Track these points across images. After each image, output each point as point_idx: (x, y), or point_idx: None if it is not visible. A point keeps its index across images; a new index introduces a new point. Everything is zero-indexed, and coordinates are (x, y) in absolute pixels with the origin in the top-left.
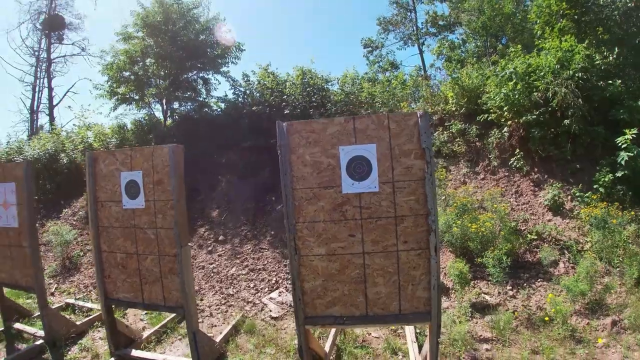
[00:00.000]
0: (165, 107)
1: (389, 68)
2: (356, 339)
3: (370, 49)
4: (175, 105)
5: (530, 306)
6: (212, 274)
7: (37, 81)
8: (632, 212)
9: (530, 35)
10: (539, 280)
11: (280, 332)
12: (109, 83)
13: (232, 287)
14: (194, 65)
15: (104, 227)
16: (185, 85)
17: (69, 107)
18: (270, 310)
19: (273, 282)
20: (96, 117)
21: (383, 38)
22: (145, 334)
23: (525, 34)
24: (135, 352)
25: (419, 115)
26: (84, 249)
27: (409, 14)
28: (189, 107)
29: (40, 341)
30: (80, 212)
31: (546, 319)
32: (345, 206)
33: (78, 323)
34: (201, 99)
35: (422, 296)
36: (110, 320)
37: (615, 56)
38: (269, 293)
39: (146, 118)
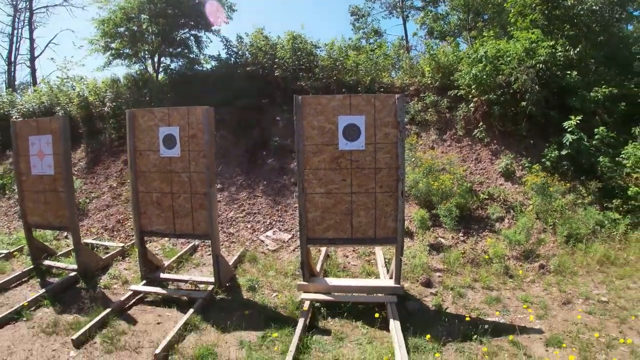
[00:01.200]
0: (157, 63)
1: (373, 35)
2: (338, 265)
3: (357, 16)
4: (167, 61)
5: (476, 249)
6: None
7: (15, 32)
8: (569, 184)
9: (507, 17)
10: (486, 231)
11: (277, 261)
12: (104, 38)
13: (232, 227)
14: (186, 23)
15: (141, 171)
16: (178, 42)
17: (52, 59)
18: (267, 245)
19: (267, 223)
20: (79, 69)
21: (370, 7)
22: (166, 262)
23: (504, 15)
24: (163, 275)
25: (396, 97)
26: (89, 197)
27: None
28: (180, 64)
29: (73, 273)
30: (80, 163)
31: (486, 257)
32: (340, 159)
33: (103, 257)
34: (192, 56)
35: (391, 225)
36: (142, 250)
37: (577, 51)
38: (265, 232)
39: (138, 73)
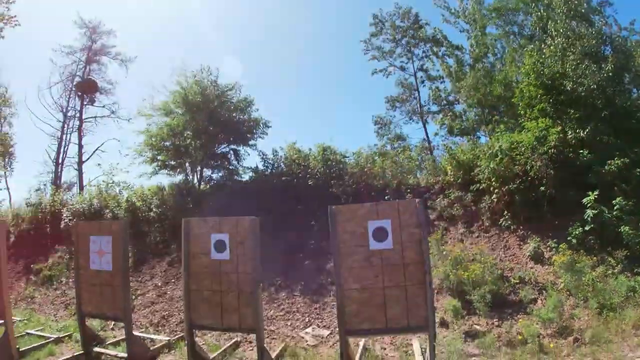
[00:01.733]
0: (200, 173)
1: (396, 140)
2: (376, 358)
3: (380, 125)
4: (208, 172)
5: (511, 332)
6: None
7: (64, 136)
8: (597, 257)
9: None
10: (520, 314)
11: (317, 355)
12: (152, 150)
13: (272, 325)
14: (226, 139)
15: (194, 272)
16: (218, 156)
17: (99, 164)
18: (307, 341)
19: (306, 321)
20: (123, 175)
21: (391, 116)
22: (211, 356)
23: (516, 107)
24: None
25: (417, 201)
26: (134, 293)
27: (413, 92)
28: (220, 174)
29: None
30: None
31: (520, 337)
32: (372, 257)
33: (151, 349)
34: (232, 167)
35: (422, 314)
36: (191, 342)
37: (586, 131)
38: (304, 329)
39: (182, 182)
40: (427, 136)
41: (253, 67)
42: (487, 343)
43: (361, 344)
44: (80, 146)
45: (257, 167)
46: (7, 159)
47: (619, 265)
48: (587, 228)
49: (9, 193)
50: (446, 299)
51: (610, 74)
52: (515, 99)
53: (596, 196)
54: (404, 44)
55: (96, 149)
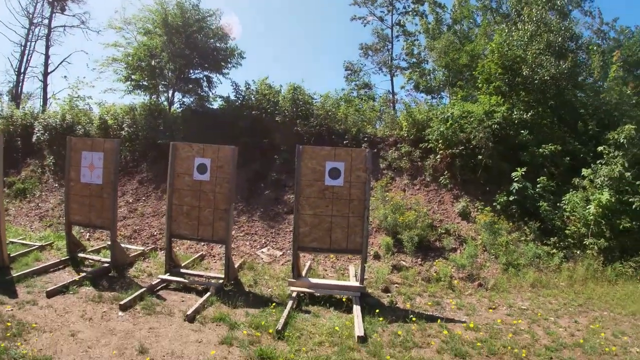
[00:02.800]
0: (171, 96)
1: (363, 87)
2: (319, 275)
3: (350, 71)
4: (179, 96)
5: (430, 271)
6: None
7: (28, 44)
8: (514, 224)
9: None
10: (440, 258)
11: (271, 269)
12: (126, 69)
13: (233, 244)
14: (200, 64)
15: (177, 189)
16: (192, 80)
17: (65, 77)
18: (263, 259)
19: (262, 242)
20: (88, 90)
21: (362, 64)
22: (183, 263)
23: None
24: (182, 271)
25: (367, 151)
26: None
27: (387, 44)
28: (192, 100)
29: (106, 265)
30: None
31: (436, 275)
32: (325, 191)
33: (135, 253)
34: (203, 94)
35: (358, 240)
36: (169, 249)
37: (530, 114)
38: (260, 248)
39: (153, 103)
40: (393, 89)
41: None
42: (408, 276)
43: (307, 264)
44: (47, 56)
45: (228, 97)
46: None
47: (532, 234)
48: (511, 198)
49: None
50: (382, 236)
51: (566, 71)
52: (476, 72)
53: (524, 172)
54: None
55: (63, 60)
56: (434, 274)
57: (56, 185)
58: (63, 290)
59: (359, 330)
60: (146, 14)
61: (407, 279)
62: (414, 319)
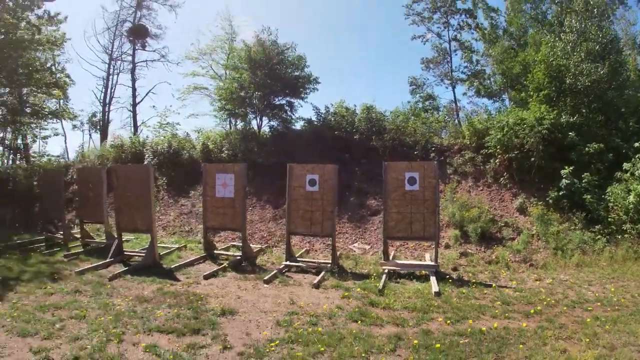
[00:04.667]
0: (259, 121)
1: (428, 99)
2: (400, 257)
3: (414, 86)
4: (266, 120)
5: (491, 256)
6: None
7: (110, 77)
8: (564, 215)
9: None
10: (500, 246)
11: (363, 258)
12: (222, 102)
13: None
14: (282, 92)
15: (293, 199)
16: (276, 106)
17: (154, 106)
18: (355, 251)
19: (352, 239)
20: (174, 117)
21: (425, 78)
22: (297, 255)
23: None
24: (298, 259)
25: (434, 163)
26: None
27: (446, 56)
28: (277, 123)
29: (238, 258)
30: None
31: (494, 259)
32: (406, 194)
33: (256, 250)
34: (286, 117)
35: (432, 231)
36: (288, 243)
37: (576, 117)
38: (352, 244)
39: (245, 128)
40: (455, 98)
41: (298, 26)
42: (473, 259)
43: (392, 253)
44: (134, 88)
45: (310, 119)
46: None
47: (579, 224)
48: (560, 193)
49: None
50: (451, 230)
51: (605, 76)
52: (527, 80)
53: (571, 170)
54: (442, 13)
55: (149, 91)
56: (494, 258)
57: (171, 201)
58: (215, 274)
59: (435, 288)
60: (218, 44)
61: (472, 262)
62: (474, 284)
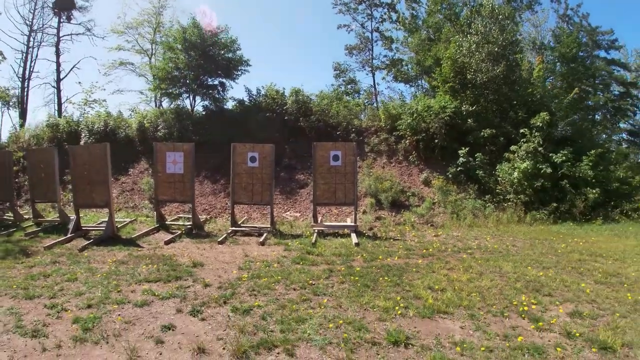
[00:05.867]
0: (193, 100)
1: (350, 82)
2: (327, 219)
3: (338, 71)
4: (199, 100)
5: (400, 219)
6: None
7: (30, 50)
8: (461, 187)
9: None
10: (407, 211)
11: (296, 223)
12: (157, 81)
13: (264, 209)
14: (215, 72)
15: (236, 172)
16: (208, 86)
17: (79, 82)
18: (287, 218)
19: (285, 208)
20: (100, 93)
21: (348, 64)
22: (239, 221)
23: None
24: (242, 226)
25: (354, 144)
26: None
27: (368, 44)
28: (209, 102)
29: (189, 226)
30: (151, 169)
31: (403, 220)
32: (331, 169)
33: (202, 219)
34: (218, 97)
35: (351, 197)
36: (233, 211)
37: (474, 107)
38: (284, 212)
39: (180, 107)
40: (375, 83)
41: (232, 9)
42: (385, 222)
43: (320, 218)
44: (58, 64)
45: (242, 99)
46: None
47: (473, 194)
48: (458, 169)
49: None
50: (368, 199)
51: (500, 74)
52: (436, 74)
53: (467, 150)
54: (366, 4)
55: (73, 67)
56: (402, 220)
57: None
58: (173, 240)
59: (355, 240)
60: (145, 17)
61: (384, 224)
62: (385, 238)
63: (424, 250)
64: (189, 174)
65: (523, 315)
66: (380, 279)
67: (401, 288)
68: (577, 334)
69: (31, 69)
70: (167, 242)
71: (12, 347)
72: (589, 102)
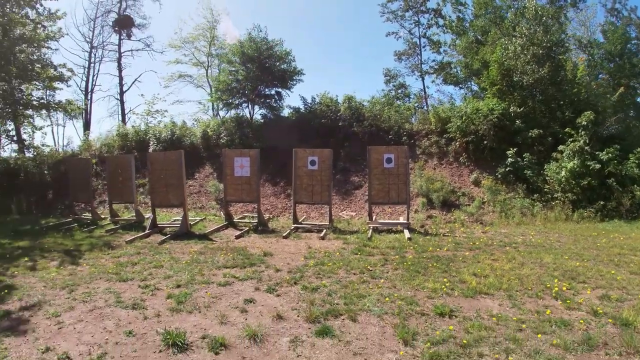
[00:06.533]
0: (251, 109)
1: (400, 87)
2: (382, 216)
3: (388, 77)
4: (257, 109)
5: (451, 217)
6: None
7: (92, 65)
8: (510, 186)
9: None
10: (457, 210)
11: (352, 221)
12: (218, 93)
13: (322, 209)
14: (271, 83)
15: (297, 175)
16: (266, 96)
17: (142, 95)
18: (344, 217)
19: (341, 208)
20: (161, 104)
21: (398, 70)
22: (300, 219)
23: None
24: (303, 223)
25: (405, 147)
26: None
27: (417, 49)
28: (266, 111)
29: (254, 224)
30: (215, 173)
31: (453, 218)
32: (384, 170)
33: (265, 218)
34: (275, 105)
35: (404, 196)
36: (295, 210)
37: (522, 108)
38: (341, 212)
39: (240, 116)
40: (424, 87)
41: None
42: (436, 220)
43: (374, 215)
44: (121, 77)
45: (298, 107)
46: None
47: (522, 193)
48: (507, 169)
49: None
50: (419, 198)
51: (546, 75)
52: (484, 76)
53: (516, 151)
54: (413, 11)
55: (135, 80)
56: (453, 219)
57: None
58: (242, 235)
59: (407, 235)
60: (200, 32)
61: (435, 222)
62: (436, 234)
63: (472, 244)
64: (254, 177)
65: (556, 297)
66: (430, 266)
67: (448, 274)
68: (602, 313)
69: (94, 83)
70: (237, 237)
71: (117, 317)
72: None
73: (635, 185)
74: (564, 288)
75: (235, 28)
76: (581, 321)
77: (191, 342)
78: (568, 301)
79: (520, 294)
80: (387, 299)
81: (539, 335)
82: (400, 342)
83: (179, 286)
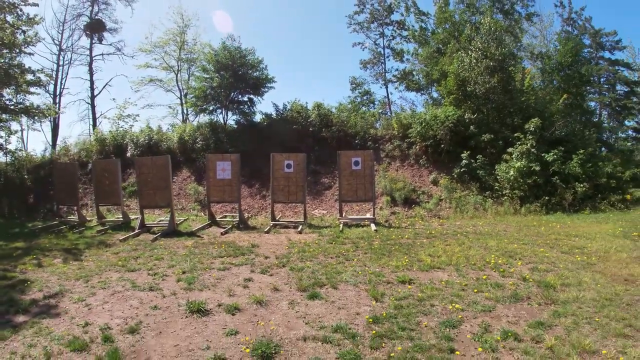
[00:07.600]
0: (225, 115)
1: (365, 94)
2: (350, 213)
3: (354, 85)
4: (230, 114)
5: (412, 213)
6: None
7: (60, 68)
8: (465, 185)
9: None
10: (418, 207)
11: (324, 218)
12: (194, 99)
13: (296, 207)
14: (244, 90)
15: (275, 177)
16: (238, 102)
17: (114, 99)
18: (316, 215)
19: (313, 207)
20: (131, 108)
21: (363, 78)
22: (278, 217)
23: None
24: (281, 221)
25: (371, 152)
26: (199, 197)
27: (381, 58)
28: (239, 117)
29: (236, 222)
30: (193, 176)
31: (414, 214)
32: (352, 172)
33: (245, 217)
34: (248, 111)
35: (370, 195)
36: (273, 209)
37: (475, 115)
38: (313, 210)
39: (214, 121)
40: (388, 94)
41: (248, 25)
42: (399, 216)
43: (344, 212)
44: (92, 81)
45: (270, 114)
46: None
47: (475, 190)
48: (462, 170)
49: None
50: (384, 197)
51: (497, 85)
52: (441, 86)
53: (469, 153)
54: (378, 23)
55: (106, 84)
56: (413, 214)
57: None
58: (227, 232)
59: (374, 228)
60: (170, 37)
61: (398, 217)
62: (399, 227)
63: (429, 233)
64: (235, 179)
65: (493, 269)
66: (394, 250)
67: (408, 255)
68: (530, 279)
69: (62, 86)
70: (223, 233)
71: (138, 297)
72: (591, 103)
73: (577, 182)
74: (501, 262)
75: (205, 33)
76: (511, 283)
77: (210, 309)
78: (502, 270)
79: (466, 267)
80: (359, 273)
81: (476, 291)
82: (372, 299)
83: (184, 272)
